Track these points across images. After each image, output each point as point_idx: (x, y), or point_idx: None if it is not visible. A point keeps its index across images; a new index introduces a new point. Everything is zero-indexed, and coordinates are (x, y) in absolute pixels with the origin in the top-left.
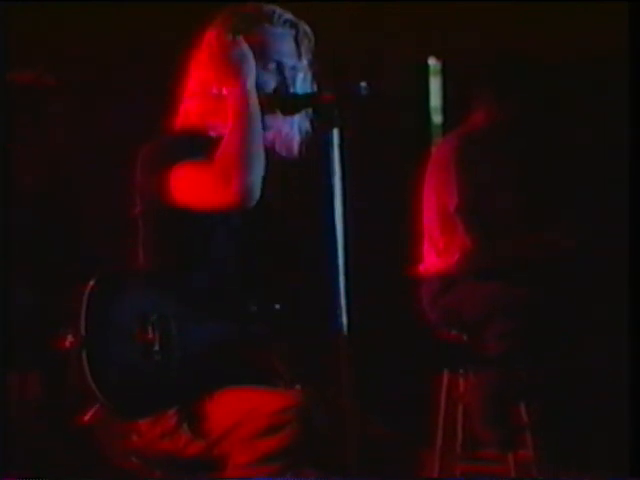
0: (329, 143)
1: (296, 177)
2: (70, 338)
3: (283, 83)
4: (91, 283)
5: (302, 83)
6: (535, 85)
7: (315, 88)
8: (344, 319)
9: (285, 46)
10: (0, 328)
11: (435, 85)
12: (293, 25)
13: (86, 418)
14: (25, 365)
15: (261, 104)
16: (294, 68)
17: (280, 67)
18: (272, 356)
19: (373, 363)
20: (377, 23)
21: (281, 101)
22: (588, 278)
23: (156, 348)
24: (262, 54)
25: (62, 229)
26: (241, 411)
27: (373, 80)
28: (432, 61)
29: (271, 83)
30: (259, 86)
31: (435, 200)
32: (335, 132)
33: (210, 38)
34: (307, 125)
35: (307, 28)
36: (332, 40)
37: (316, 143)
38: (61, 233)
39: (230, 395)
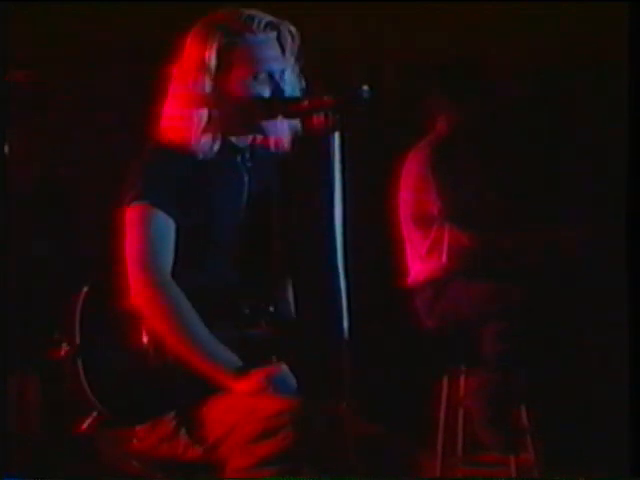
0: (330, 147)
1: (296, 181)
2: (65, 346)
3: (277, 89)
4: (84, 290)
5: (291, 83)
6: (522, 88)
7: (303, 85)
8: (345, 322)
9: (271, 51)
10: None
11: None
12: (274, 27)
13: (84, 427)
14: (24, 370)
15: (262, 108)
16: (283, 71)
17: (271, 74)
18: (272, 360)
19: (374, 366)
20: (378, 26)
21: (282, 105)
22: (587, 278)
23: (151, 353)
24: (251, 66)
25: (62, 232)
26: (237, 415)
27: (375, 83)
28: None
29: (265, 92)
30: (254, 96)
31: (413, 207)
32: (336, 136)
33: (189, 51)
34: (298, 125)
35: (290, 26)
36: (333, 44)
37: (317, 147)
38: (61, 237)
39: (226, 399)
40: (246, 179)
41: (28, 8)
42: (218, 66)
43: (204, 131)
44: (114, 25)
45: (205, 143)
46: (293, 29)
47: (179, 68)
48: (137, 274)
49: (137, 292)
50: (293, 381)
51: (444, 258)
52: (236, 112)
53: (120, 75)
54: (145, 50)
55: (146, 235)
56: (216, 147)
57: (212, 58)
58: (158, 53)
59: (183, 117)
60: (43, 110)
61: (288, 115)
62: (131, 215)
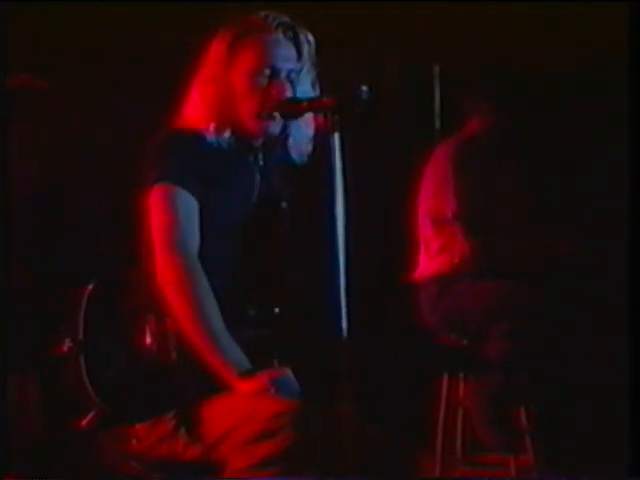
0: (330, 148)
1: (298, 181)
2: (68, 342)
3: (280, 87)
4: (90, 287)
5: (302, 87)
6: (530, 91)
7: (317, 92)
8: (344, 323)
9: (282, 51)
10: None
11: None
12: (289, 28)
13: (84, 423)
14: (24, 370)
15: (260, 104)
16: (292, 71)
17: (275, 71)
18: (274, 363)
19: (373, 367)
20: (378, 27)
21: (283, 105)
22: (588, 281)
23: (154, 351)
24: (257, 61)
25: (61, 231)
26: (237, 415)
27: (374, 84)
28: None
29: (266, 86)
30: (253, 90)
31: (431, 205)
32: (336, 136)
33: (210, 50)
34: (311, 132)
35: (308, 34)
36: (333, 44)
37: (317, 148)
38: (60, 235)
39: (226, 400)
40: (257, 178)
41: (28, 8)
42: (228, 57)
43: (213, 119)
44: (115, 25)
45: (214, 131)
46: (311, 37)
47: (203, 60)
48: (165, 256)
49: (163, 273)
50: (295, 384)
51: (455, 257)
52: (238, 104)
53: (120, 75)
54: (146, 50)
55: (173, 215)
56: (226, 137)
57: (224, 49)
58: (158, 53)
59: (197, 105)
60: (43, 110)
61: (287, 115)
62: (156, 195)
